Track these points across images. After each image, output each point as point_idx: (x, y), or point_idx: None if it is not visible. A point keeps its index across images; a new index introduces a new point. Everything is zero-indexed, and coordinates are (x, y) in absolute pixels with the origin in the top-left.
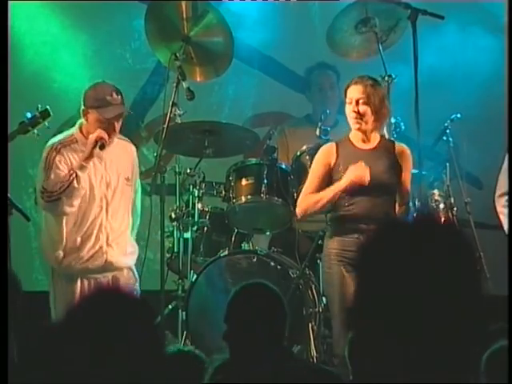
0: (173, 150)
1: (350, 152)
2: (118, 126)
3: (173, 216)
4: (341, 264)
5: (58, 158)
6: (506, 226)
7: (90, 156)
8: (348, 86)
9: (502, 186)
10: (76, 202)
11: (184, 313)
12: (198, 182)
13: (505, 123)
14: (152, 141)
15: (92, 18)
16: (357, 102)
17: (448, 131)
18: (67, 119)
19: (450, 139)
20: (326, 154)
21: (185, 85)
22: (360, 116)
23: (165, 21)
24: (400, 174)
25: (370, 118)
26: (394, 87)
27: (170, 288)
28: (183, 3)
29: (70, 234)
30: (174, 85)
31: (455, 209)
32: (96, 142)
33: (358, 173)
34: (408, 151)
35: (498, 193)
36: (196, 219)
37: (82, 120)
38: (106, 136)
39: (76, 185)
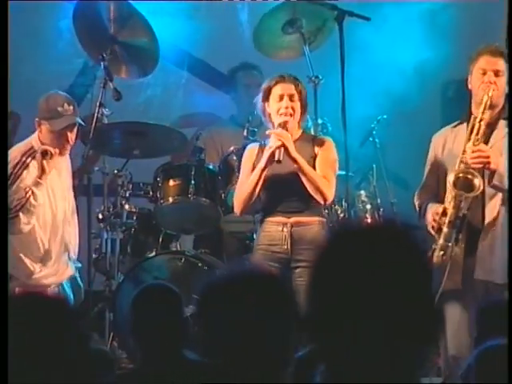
0: (100, 150)
1: None
2: (71, 135)
3: (100, 217)
4: (267, 258)
5: (24, 173)
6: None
7: (42, 171)
8: (276, 83)
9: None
10: (33, 220)
11: (111, 314)
12: (125, 182)
13: (433, 124)
14: (79, 141)
15: (17, 18)
16: (290, 99)
17: (374, 132)
18: None
19: (377, 140)
20: (249, 155)
21: (112, 85)
22: (291, 112)
23: (92, 21)
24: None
25: (298, 114)
26: (321, 88)
27: (98, 289)
28: (109, 4)
29: (44, 248)
30: (101, 85)
31: (381, 209)
32: (42, 155)
33: (275, 138)
34: (329, 141)
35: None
36: (123, 220)
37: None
38: (49, 148)
39: (33, 201)
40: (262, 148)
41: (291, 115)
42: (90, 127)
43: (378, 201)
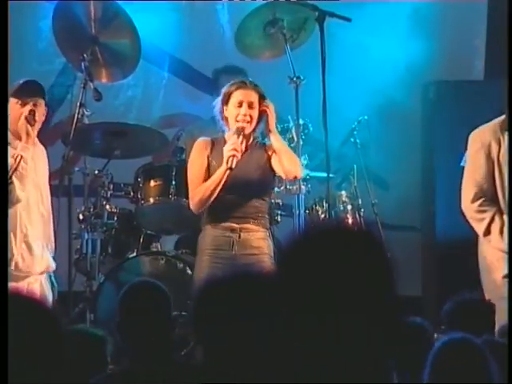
0: (80, 150)
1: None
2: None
3: (81, 217)
4: (212, 262)
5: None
6: (480, 232)
7: (28, 136)
8: (236, 89)
9: (472, 189)
10: (27, 186)
11: (92, 314)
12: (106, 183)
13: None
14: (59, 141)
15: None
16: (249, 106)
17: (355, 133)
18: None
19: (358, 141)
20: (202, 148)
21: (92, 86)
22: (248, 119)
23: (73, 21)
24: (273, 172)
25: (254, 121)
26: (302, 88)
27: (78, 289)
28: (92, 4)
29: (24, 240)
30: (82, 86)
31: (362, 210)
32: (26, 120)
33: (227, 148)
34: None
35: (468, 198)
36: (104, 220)
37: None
38: (33, 108)
39: (24, 164)
40: (213, 141)
41: (248, 122)
42: (70, 128)
43: (359, 201)
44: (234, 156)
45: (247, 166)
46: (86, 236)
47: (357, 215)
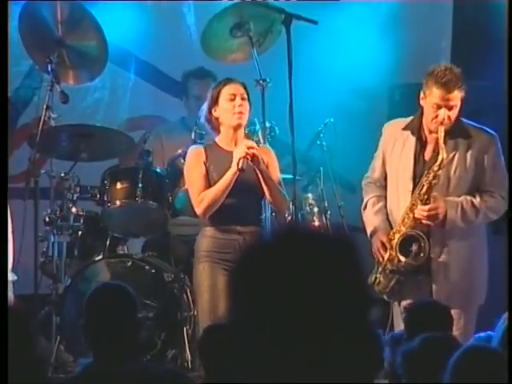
0: (47, 153)
1: (220, 155)
2: None
3: (47, 220)
4: (212, 265)
5: None
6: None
7: None
8: (225, 85)
9: (369, 171)
10: None
11: (58, 317)
12: (72, 185)
13: (378, 127)
14: (26, 144)
15: None
16: (242, 98)
17: (322, 135)
18: None
19: (324, 143)
20: (198, 155)
21: (59, 88)
22: (244, 110)
23: (39, 23)
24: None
25: (247, 114)
26: (269, 91)
27: (44, 292)
28: (58, 5)
29: None
30: (48, 88)
31: (329, 212)
32: None
33: (239, 150)
34: (271, 150)
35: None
36: (70, 223)
37: None
38: None
39: None
40: (206, 148)
41: (244, 114)
42: (36, 130)
43: (326, 204)
44: (246, 157)
45: (247, 167)
46: (52, 239)
47: (323, 218)
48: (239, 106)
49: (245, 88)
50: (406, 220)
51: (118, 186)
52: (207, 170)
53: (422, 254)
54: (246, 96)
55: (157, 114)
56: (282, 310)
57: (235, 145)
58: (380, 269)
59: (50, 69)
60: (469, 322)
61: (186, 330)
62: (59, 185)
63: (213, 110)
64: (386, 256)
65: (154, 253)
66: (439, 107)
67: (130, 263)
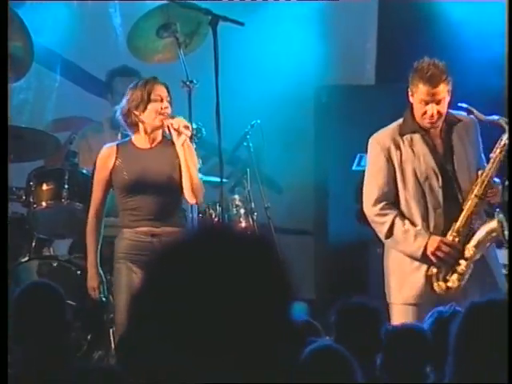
0: None
1: (133, 153)
2: None
3: None
4: (128, 265)
5: None
6: (382, 234)
7: None
8: (153, 85)
9: (373, 193)
10: None
11: None
12: None
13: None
14: None
15: None
16: (167, 100)
17: (248, 136)
18: None
19: (251, 144)
20: (105, 158)
21: None
22: (169, 113)
23: None
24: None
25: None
26: (196, 92)
27: None
28: None
29: None
30: None
31: (255, 214)
32: None
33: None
34: (191, 145)
35: (369, 202)
36: None
37: None
38: None
39: None
40: (118, 147)
41: (168, 115)
42: None
43: (252, 205)
44: (186, 126)
45: (160, 164)
46: None
47: (250, 219)
48: (165, 107)
49: (168, 90)
50: (471, 213)
51: (44, 187)
52: (115, 170)
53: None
54: (169, 98)
55: (83, 115)
56: (193, 310)
57: (151, 144)
58: (459, 269)
59: None
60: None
61: (112, 332)
62: None
63: (138, 109)
64: (468, 252)
65: (81, 254)
66: (427, 103)
67: (55, 265)
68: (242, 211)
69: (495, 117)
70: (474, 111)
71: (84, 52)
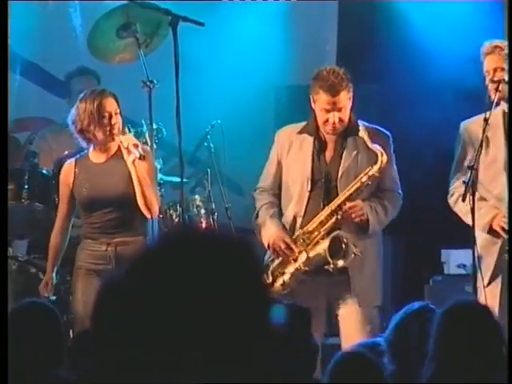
0: None
1: (88, 168)
2: None
3: None
4: (86, 274)
5: None
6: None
7: None
8: (100, 101)
9: (261, 179)
10: None
11: None
12: None
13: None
14: None
15: None
16: (115, 113)
17: (209, 137)
18: None
19: (211, 145)
20: (65, 174)
21: None
22: (119, 126)
23: None
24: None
25: (120, 126)
26: (156, 92)
27: None
28: None
29: None
30: None
31: (216, 214)
32: None
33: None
34: (150, 152)
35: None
36: None
37: None
38: None
39: None
40: (76, 162)
41: (118, 128)
42: None
43: (213, 205)
44: (135, 145)
45: (114, 179)
46: None
47: (210, 219)
48: (115, 123)
49: (117, 101)
50: (323, 221)
51: None
52: (75, 185)
53: (348, 254)
54: (118, 110)
55: (43, 116)
56: (150, 316)
57: (106, 158)
58: (292, 269)
59: None
60: (364, 322)
61: (72, 332)
62: None
63: (89, 127)
64: (302, 257)
65: (40, 255)
66: (328, 111)
67: (15, 266)
68: (203, 211)
69: (377, 146)
70: (365, 137)
71: (44, 52)
